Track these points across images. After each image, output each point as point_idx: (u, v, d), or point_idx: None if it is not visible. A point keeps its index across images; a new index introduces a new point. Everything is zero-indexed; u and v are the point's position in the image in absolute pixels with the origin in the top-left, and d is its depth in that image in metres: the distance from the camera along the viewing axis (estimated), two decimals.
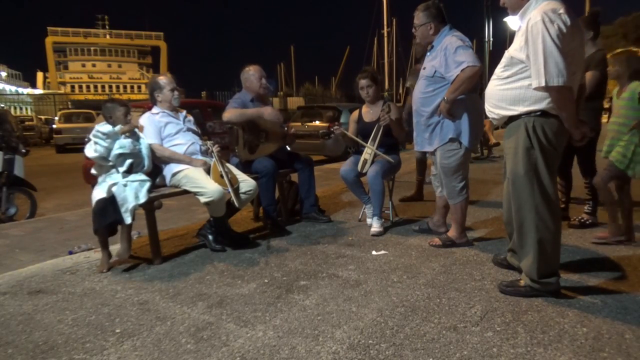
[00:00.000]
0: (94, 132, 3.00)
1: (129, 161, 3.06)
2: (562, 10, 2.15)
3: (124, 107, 3.13)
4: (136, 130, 3.18)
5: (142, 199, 2.99)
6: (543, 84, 2.15)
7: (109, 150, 2.99)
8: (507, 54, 2.36)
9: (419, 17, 3.20)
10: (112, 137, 3.00)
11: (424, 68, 3.26)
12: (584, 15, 3.62)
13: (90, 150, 2.99)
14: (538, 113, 2.27)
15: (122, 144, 3.02)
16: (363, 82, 3.95)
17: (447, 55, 3.03)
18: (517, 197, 2.37)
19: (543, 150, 2.28)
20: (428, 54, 3.26)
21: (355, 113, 4.13)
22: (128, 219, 2.95)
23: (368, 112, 4.05)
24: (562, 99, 2.19)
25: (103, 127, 3.01)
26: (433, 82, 3.15)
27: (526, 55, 2.21)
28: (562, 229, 3.62)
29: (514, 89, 2.31)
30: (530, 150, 2.29)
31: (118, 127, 3.03)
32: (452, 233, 3.32)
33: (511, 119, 2.38)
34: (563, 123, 2.28)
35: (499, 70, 2.43)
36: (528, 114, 2.29)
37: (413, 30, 3.27)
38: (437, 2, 3.20)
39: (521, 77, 2.29)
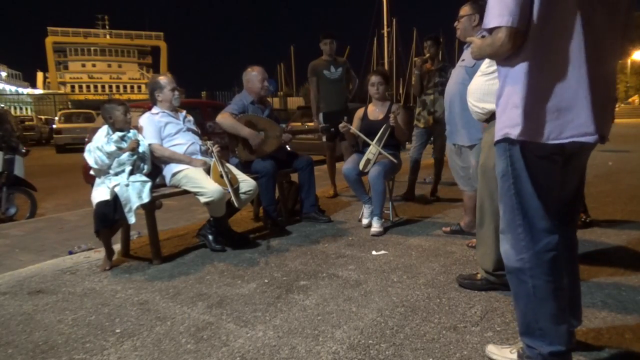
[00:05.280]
0: (98, 145, 3.00)
1: (129, 168, 3.07)
2: None
3: (122, 106, 3.14)
4: (138, 135, 3.19)
5: (146, 198, 2.99)
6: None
7: (109, 165, 3.04)
8: None
9: (465, 8, 3.14)
10: (113, 155, 3.02)
11: (463, 60, 3.23)
12: None
13: (91, 160, 3.03)
14: None
15: (121, 161, 3.05)
16: (374, 79, 3.99)
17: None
18: (484, 188, 2.43)
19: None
20: (465, 47, 3.21)
21: (361, 111, 4.14)
22: (132, 219, 2.95)
23: (374, 111, 4.06)
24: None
25: (107, 146, 3.01)
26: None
27: None
28: None
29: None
30: None
31: (115, 142, 3.03)
32: (464, 222, 3.32)
33: (494, 115, 2.40)
34: None
35: (484, 66, 2.47)
36: None
37: (455, 24, 3.20)
38: None
39: None
